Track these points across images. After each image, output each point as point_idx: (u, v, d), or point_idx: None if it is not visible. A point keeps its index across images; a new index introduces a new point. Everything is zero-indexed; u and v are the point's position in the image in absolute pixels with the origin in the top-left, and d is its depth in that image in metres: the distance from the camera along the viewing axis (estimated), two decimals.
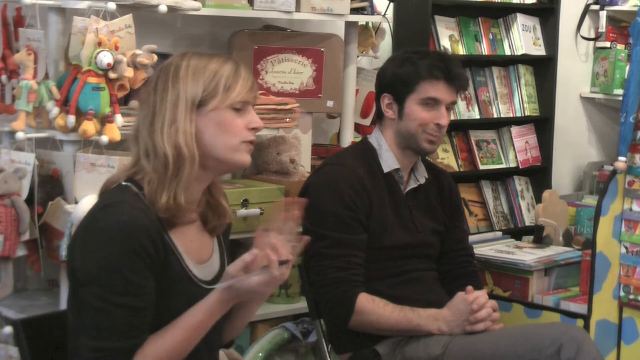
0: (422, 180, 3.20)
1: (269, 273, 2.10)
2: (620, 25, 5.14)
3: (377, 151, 3.15)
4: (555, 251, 3.76)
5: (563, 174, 5.13)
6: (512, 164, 4.74)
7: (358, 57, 3.98)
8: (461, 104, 4.51)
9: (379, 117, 3.20)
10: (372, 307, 2.99)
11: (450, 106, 3.14)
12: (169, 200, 2.12)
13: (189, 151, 2.13)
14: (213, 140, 2.16)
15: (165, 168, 2.12)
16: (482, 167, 4.64)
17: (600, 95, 5.17)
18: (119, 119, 2.99)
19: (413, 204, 3.17)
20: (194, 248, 2.21)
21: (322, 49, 3.76)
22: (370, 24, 4.04)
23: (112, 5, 2.96)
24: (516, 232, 4.42)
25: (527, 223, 4.72)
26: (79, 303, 2.09)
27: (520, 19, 4.71)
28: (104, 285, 2.04)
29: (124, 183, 2.16)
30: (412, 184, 3.19)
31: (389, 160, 3.13)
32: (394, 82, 3.11)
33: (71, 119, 2.93)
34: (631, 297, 3.49)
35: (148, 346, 2.08)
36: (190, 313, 2.12)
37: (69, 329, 2.16)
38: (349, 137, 3.89)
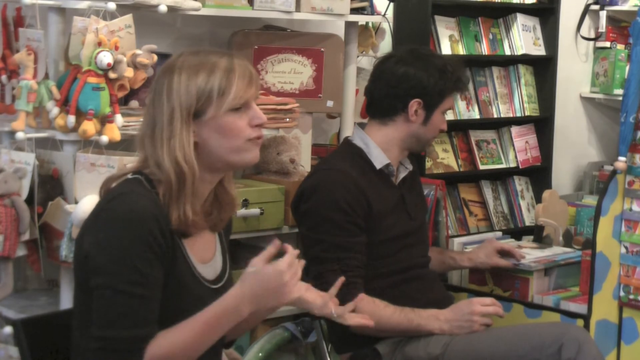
0: (410, 167, 3.26)
1: (291, 251, 2.11)
2: (620, 25, 5.14)
3: (364, 150, 3.16)
4: (555, 251, 3.75)
5: (563, 174, 5.13)
6: (512, 164, 4.74)
7: (358, 57, 3.98)
8: (461, 104, 4.51)
9: (384, 116, 3.18)
10: (372, 308, 2.99)
11: None
12: (179, 217, 2.12)
13: (188, 166, 2.11)
14: (218, 146, 2.15)
15: (170, 184, 2.12)
16: (482, 167, 4.63)
17: (600, 95, 5.17)
18: (119, 119, 2.99)
19: (405, 193, 3.22)
20: (198, 247, 2.21)
21: (322, 49, 3.76)
22: (370, 24, 4.04)
23: (112, 5, 2.96)
24: (516, 232, 4.41)
25: (527, 223, 4.72)
26: (87, 295, 2.08)
27: (520, 19, 4.71)
28: (113, 274, 2.03)
29: (131, 176, 2.16)
30: (402, 173, 3.23)
31: (379, 157, 3.15)
32: (431, 92, 3.14)
33: (71, 119, 2.93)
34: (631, 297, 3.49)
35: (162, 339, 2.06)
36: (207, 308, 2.09)
37: (73, 328, 2.16)
38: None
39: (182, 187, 2.12)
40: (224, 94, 2.13)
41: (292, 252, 2.13)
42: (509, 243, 3.90)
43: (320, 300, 2.33)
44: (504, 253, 3.50)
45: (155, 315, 2.07)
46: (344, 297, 2.97)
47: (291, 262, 2.11)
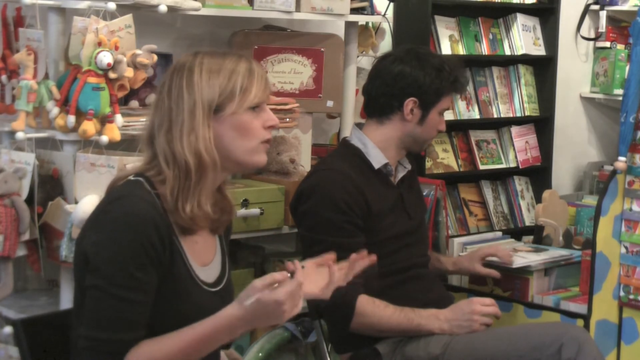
0: (409, 167, 3.26)
1: (295, 279, 2.04)
2: (620, 25, 5.14)
3: (362, 150, 3.16)
4: (552, 254, 3.72)
5: (563, 174, 5.13)
6: (512, 164, 4.74)
7: (358, 57, 3.98)
8: (461, 104, 4.51)
9: (380, 115, 3.18)
10: (372, 308, 2.99)
11: None
12: (193, 209, 2.12)
13: (210, 157, 2.13)
14: (232, 144, 2.17)
15: (186, 176, 2.12)
16: (482, 167, 4.64)
17: (600, 95, 5.17)
18: (119, 119, 2.99)
19: (404, 192, 3.22)
20: (198, 250, 2.21)
21: (322, 49, 3.76)
22: (370, 24, 4.04)
23: (112, 5, 2.96)
24: (516, 232, 4.42)
25: (527, 223, 4.72)
26: (83, 294, 2.08)
27: (520, 19, 4.71)
28: (107, 276, 2.04)
29: (133, 178, 2.16)
30: (401, 173, 3.22)
31: (377, 157, 3.15)
32: (427, 91, 3.13)
33: (71, 119, 2.93)
34: (631, 297, 3.49)
35: (144, 346, 2.06)
36: (197, 324, 2.07)
37: (72, 328, 2.16)
38: None
39: (200, 177, 2.13)
40: (246, 91, 2.16)
41: (297, 280, 2.06)
42: (509, 243, 3.90)
43: (320, 291, 2.31)
44: (489, 263, 3.48)
45: (144, 320, 2.07)
46: (344, 298, 2.98)
47: (292, 291, 2.04)
